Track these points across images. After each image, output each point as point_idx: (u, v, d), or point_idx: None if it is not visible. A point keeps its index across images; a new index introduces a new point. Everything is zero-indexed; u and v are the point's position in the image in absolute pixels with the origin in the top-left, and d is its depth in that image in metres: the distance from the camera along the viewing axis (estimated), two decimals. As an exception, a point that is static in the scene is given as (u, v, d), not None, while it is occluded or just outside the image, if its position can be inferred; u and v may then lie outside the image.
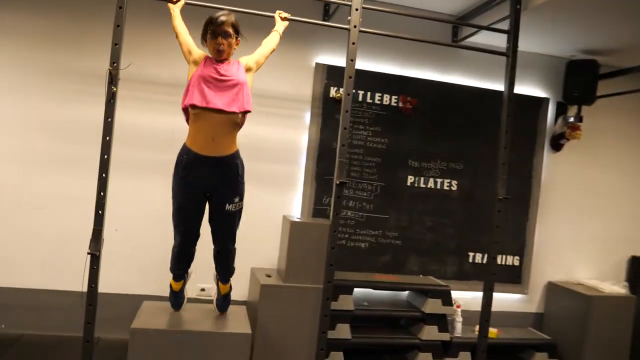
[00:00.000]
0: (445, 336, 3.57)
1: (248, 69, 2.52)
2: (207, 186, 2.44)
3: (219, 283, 2.81)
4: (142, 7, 3.09)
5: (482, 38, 3.72)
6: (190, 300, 3.60)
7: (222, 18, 2.40)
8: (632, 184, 4.55)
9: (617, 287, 4.17)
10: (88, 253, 2.53)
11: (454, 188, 4.03)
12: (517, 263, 4.22)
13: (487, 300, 3.08)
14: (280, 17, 2.74)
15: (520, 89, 4.12)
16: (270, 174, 3.73)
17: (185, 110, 2.47)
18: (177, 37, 2.54)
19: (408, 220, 3.95)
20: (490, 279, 3.07)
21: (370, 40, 3.72)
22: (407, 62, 3.91)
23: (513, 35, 3.11)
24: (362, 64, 3.81)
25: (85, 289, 2.53)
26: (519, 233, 4.20)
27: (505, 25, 3.19)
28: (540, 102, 4.21)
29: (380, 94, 3.85)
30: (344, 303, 3.37)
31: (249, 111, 2.46)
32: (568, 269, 4.42)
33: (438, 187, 4.00)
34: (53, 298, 3.47)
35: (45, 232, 3.43)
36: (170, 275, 2.75)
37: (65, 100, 3.44)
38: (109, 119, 2.56)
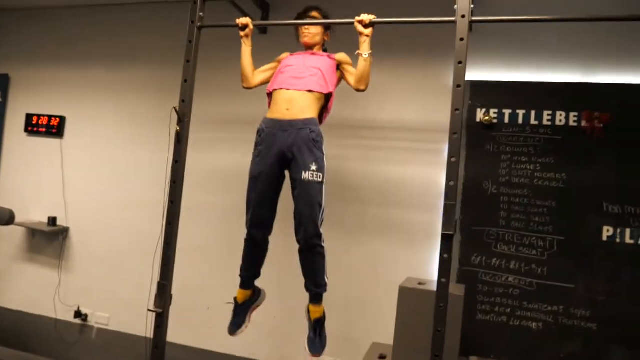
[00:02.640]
0: None
1: (341, 67, 2.38)
2: (282, 151, 2.22)
3: (309, 305, 2.31)
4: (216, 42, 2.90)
5: None
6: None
7: (309, 7, 2.43)
8: None
9: None
10: (149, 310, 2.29)
11: (691, 246, 2.58)
12: None
13: None
14: (362, 24, 2.16)
15: None
16: (400, 225, 3.00)
17: (268, 95, 2.38)
18: (250, 82, 2.45)
19: (607, 293, 2.66)
20: None
21: (534, 39, 2.79)
22: (591, 63, 2.76)
23: None
24: (520, 74, 2.87)
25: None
26: None
27: None
28: None
29: (550, 112, 2.79)
30: (489, 409, 2.35)
31: (331, 93, 2.30)
32: None
33: (658, 243, 2.62)
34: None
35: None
36: None
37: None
38: (177, 161, 2.34)
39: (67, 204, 3.77)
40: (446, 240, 1.97)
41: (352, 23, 2.18)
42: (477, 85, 2.89)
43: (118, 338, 3.58)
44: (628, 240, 2.65)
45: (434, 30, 2.90)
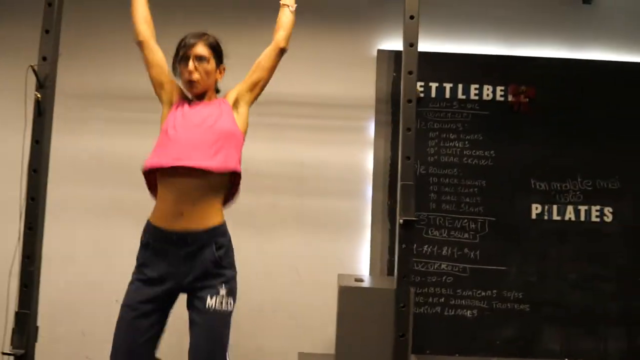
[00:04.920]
0: None
1: (235, 103, 1.72)
2: (176, 276, 1.57)
3: None
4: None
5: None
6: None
7: (193, 39, 1.67)
8: None
9: None
10: (4, 353, 1.62)
11: (608, 219, 2.59)
12: None
13: None
14: None
15: None
16: (323, 215, 2.64)
17: (146, 176, 1.66)
18: (140, 46, 1.72)
19: (538, 273, 2.58)
20: None
21: (460, 11, 2.59)
22: (515, 35, 2.64)
23: None
24: (447, 45, 2.65)
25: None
26: None
27: None
28: None
29: (477, 86, 2.62)
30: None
31: (237, 172, 1.63)
32: None
33: (582, 218, 2.60)
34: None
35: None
36: None
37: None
38: (37, 142, 1.69)
39: None
40: (406, 227, 1.64)
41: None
42: (401, 55, 2.60)
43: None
44: (555, 217, 2.60)
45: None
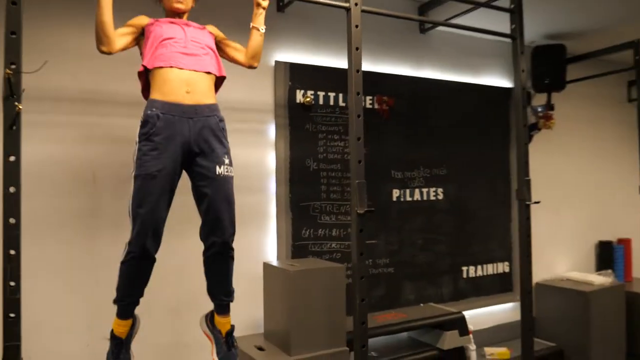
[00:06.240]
0: (469, 373, 3.02)
1: (219, 42, 2.09)
2: (188, 143, 1.85)
3: (216, 316, 2.02)
4: None
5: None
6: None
7: None
8: (601, 169, 4.48)
9: (604, 278, 3.96)
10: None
11: (440, 197, 3.51)
12: (507, 269, 3.83)
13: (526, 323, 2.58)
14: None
15: (484, 79, 3.78)
16: (233, 209, 2.86)
17: (141, 75, 1.89)
18: (113, 45, 1.87)
19: (398, 242, 3.33)
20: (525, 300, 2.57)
21: (333, 33, 3.09)
22: (380, 56, 3.31)
23: (518, 13, 2.66)
24: (326, 59, 3.14)
25: None
26: (505, 236, 3.82)
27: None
28: (509, 93, 3.87)
29: (352, 96, 3.19)
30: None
31: (224, 77, 2.02)
32: (550, 266, 4.19)
33: (424, 197, 3.44)
34: None
35: None
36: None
37: None
38: (13, 158, 1.56)
39: None
40: (361, 217, 2.09)
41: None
42: (296, 67, 3.00)
43: None
44: (408, 198, 3.38)
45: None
